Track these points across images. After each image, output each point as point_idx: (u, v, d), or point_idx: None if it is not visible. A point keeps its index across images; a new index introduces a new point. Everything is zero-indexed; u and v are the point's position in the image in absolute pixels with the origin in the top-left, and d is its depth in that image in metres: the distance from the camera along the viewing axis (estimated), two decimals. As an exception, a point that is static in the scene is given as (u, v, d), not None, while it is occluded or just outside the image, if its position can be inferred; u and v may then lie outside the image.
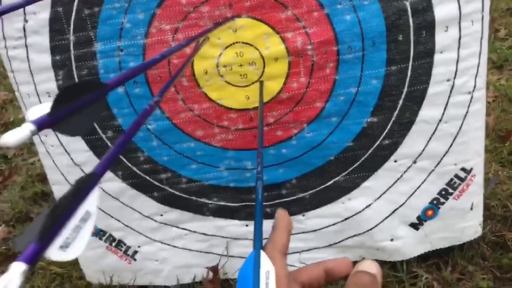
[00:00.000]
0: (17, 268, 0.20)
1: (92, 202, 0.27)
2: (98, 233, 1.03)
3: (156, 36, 0.84)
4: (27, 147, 1.89)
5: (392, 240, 1.00)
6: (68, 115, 0.28)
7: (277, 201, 0.98)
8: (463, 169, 0.95)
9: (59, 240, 0.23)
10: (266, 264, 0.37)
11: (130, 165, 0.95)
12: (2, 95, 2.43)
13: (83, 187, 0.27)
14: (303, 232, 1.00)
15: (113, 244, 1.03)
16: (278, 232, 0.41)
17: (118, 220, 1.00)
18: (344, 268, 0.40)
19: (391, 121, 0.90)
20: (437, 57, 0.86)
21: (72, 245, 0.24)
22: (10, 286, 0.20)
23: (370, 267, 0.38)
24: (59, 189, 1.00)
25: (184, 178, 0.96)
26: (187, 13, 0.82)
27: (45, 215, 0.24)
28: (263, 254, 0.39)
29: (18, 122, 2.08)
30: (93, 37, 0.85)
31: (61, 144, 0.93)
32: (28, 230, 0.24)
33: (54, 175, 0.98)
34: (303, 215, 0.99)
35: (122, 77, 0.38)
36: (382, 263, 1.03)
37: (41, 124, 0.26)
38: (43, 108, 0.29)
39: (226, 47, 0.85)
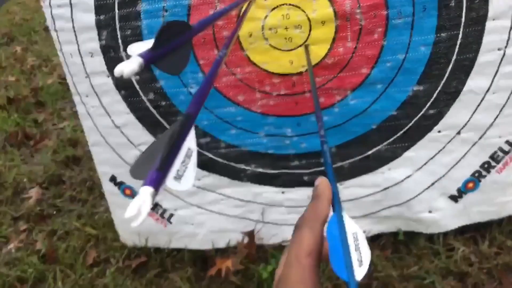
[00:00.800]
0: (147, 191, 0.21)
1: (191, 140, 0.27)
2: (136, 195, 1.03)
3: (201, -4, 0.83)
4: (57, 112, 1.91)
5: (430, 211, 0.99)
6: (166, 52, 0.28)
7: (315, 169, 0.97)
8: (507, 142, 0.92)
9: (173, 172, 0.23)
10: (351, 226, 0.37)
11: (170, 128, 0.94)
12: (30, 61, 2.45)
13: (182, 127, 0.27)
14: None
15: (150, 207, 1.04)
16: (321, 203, 0.39)
17: (155, 183, 1.01)
18: None
19: (438, 90, 0.88)
20: (489, 24, 0.83)
21: (183, 177, 0.24)
22: (143, 206, 0.20)
23: None
24: (98, 151, 1.01)
25: (223, 143, 0.96)
26: (234, -28, 0.81)
27: (161, 148, 0.24)
28: (345, 216, 0.38)
29: (47, 87, 2.10)
30: (138, -4, 0.84)
31: (102, 105, 0.94)
32: (140, 161, 0.24)
33: (94, 136, 0.99)
34: (341, 184, 0.98)
35: (203, 22, 0.37)
36: (419, 235, 1.02)
37: (148, 58, 0.26)
38: (143, 45, 0.29)
39: (273, 9, 0.83)
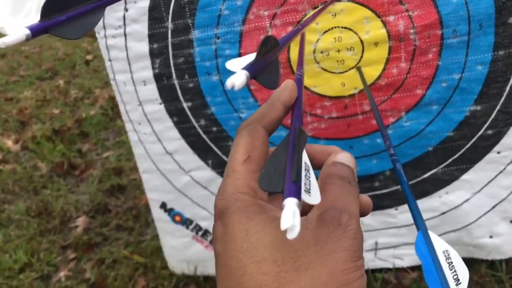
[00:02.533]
0: (292, 201, 0.20)
1: (304, 155, 0.27)
2: (185, 221, 1.03)
3: (253, 22, 0.84)
4: (101, 142, 1.95)
5: (491, 237, 0.95)
6: (264, 67, 0.29)
7: (369, 193, 0.94)
8: None
9: (303, 185, 0.23)
10: (440, 244, 0.35)
11: (220, 153, 0.94)
12: (73, 93, 2.53)
13: (299, 140, 0.27)
14: (395, 227, 0.96)
15: (199, 233, 1.04)
16: (268, 104, 0.34)
17: (205, 209, 1.00)
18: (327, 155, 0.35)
19: (496, 109, 0.85)
20: (549, 41, 0.80)
21: (311, 190, 0.23)
22: (295, 216, 0.19)
23: (348, 159, 0.34)
24: (149, 178, 1.01)
25: (273, 168, 0.95)
26: (286, -2, 0.81)
27: (284, 161, 0.24)
28: (432, 234, 0.37)
29: (90, 118, 2.15)
30: (191, 24, 0.85)
31: (154, 132, 0.95)
32: (266, 174, 0.24)
33: (145, 163, 0.99)
34: (396, 209, 0.95)
35: (284, 40, 0.37)
36: (480, 262, 0.98)
37: (252, 72, 0.26)
38: (241, 61, 0.29)
39: (324, 32, 0.83)
